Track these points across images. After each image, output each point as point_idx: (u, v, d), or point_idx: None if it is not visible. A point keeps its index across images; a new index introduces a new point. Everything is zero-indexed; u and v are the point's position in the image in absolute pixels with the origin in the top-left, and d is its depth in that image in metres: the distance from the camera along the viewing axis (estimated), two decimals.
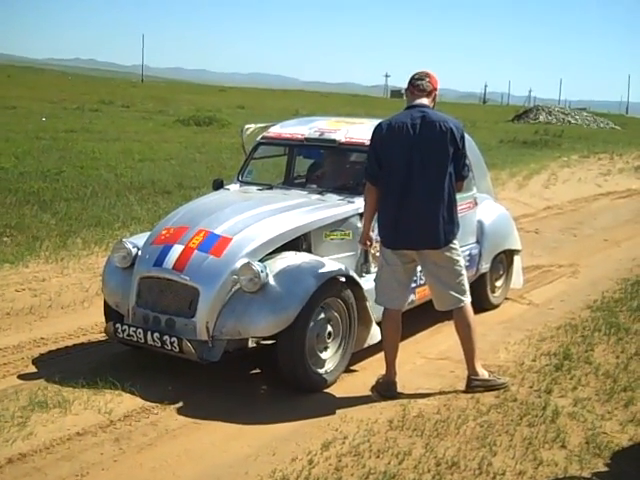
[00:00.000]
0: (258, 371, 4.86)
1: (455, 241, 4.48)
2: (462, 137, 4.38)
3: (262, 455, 3.71)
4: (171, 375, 4.58)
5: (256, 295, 4.33)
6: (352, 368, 4.89)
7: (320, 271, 4.52)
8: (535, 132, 26.71)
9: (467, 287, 4.57)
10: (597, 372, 4.85)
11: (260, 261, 4.45)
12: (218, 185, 5.81)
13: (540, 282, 7.48)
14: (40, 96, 32.02)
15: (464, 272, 4.55)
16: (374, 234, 5.07)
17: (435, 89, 4.49)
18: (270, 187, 5.64)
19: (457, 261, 4.48)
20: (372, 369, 4.97)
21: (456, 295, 4.49)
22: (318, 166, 5.86)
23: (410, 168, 4.30)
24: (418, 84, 4.43)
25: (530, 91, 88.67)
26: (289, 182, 5.81)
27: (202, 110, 26.73)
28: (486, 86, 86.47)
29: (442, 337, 5.63)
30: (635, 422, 4.10)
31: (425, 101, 4.42)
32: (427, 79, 4.44)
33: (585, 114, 39.85)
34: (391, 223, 4.41)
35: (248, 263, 4.36)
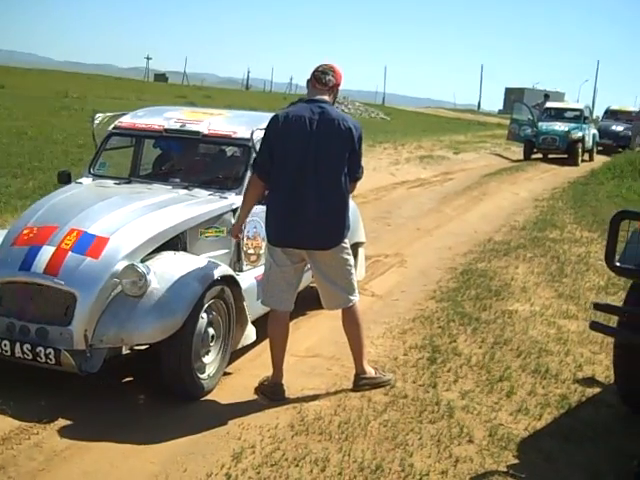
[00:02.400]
0: (130, 379, 4.54)
1: (346, 240, 4.47)
2: (360, 137, 4.36)
3: (172, 472, 3.48)
4: (40, 389, 4.14)
5: (140, 299, 4.03)
6: (227, 371, 4.73)
7: (205, 272, 4.32)
8: None
9: (356, 286, 4.59)
10: (469, 363, 5.10)
11: (142, 262, 4.15)
12: (66, 178, 5.33)
13: (374, 273, 7.71)
14: None
15: (353, 271, 4.57)
16: (247, 230, 4.96)
17: (338, 84, 4.42)
18: (129, 181, 5.28)
19: (347, 260, 4.47)
20: (247, 370, 4.86)
21: (346, 294, 4.50)
22: (177, 159, 5.58)
23: (305, 165, 4.20)
24: (321, 78, 4.33)
25: (291, 78, 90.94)
26: (149, 176, 5.49)
27: None
28: (249, 72, 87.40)
29: (304, 333, 5.64)
30: (523, 411, 4.37)
31: (326, 97, 4.34)
32: (331, 73, 4.36)
33: (357, 104, 41.77)
34: (281, 221, 4.30)
35: (132, 265, 4.04)
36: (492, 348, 5.44)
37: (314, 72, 4.37)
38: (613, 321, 4.49)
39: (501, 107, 79.07)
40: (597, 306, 4.25)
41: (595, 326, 4.24)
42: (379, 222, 10.54)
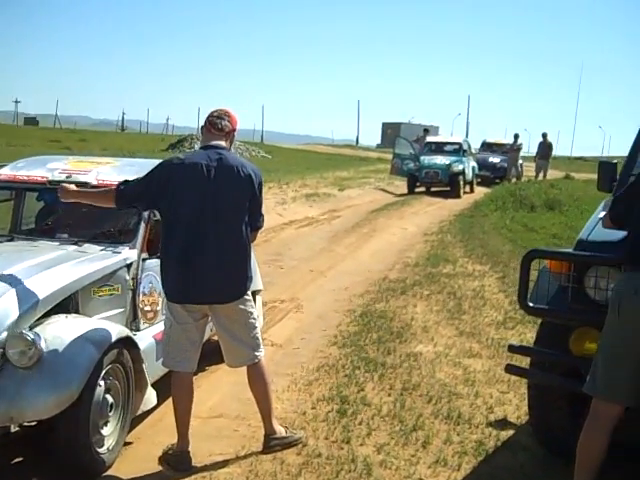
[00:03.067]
0: (21, 459, 4.17)
1: (249, 292, 4.31)
2: (260, 184, 4.24)
3: None
4: None
5: (31, 370, 3.70)
6: (127, 440, 4.43)
7: (101, 335, 4.04)
8: None
9: (261, 341, 4.42)
10: (380, 414, 4.99)
11: (30, 329, 3.83)
12: None
13: (271, 320, 7.55)
14: None
15: (258, 325, 4.41)
16: (142, 285, 4.73)
17: (234, 130, 4.29)
18: (10, 238, 4.94)
19: (251, 314, 4.30)
20: (149, 438, 4.59)
21: (251, 350, 4.32)
22: (64, 212, 5.25)
23: (202, 215, 4.03)
24: (217, 123, 4.19)
25: (168, 119, 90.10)
26: (33, 231, 5.17)
27: None
28: (124, 113, 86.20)
29: (205, 391, 5.39)
30: (441, 463, 4.28)
31: (223, 142, 4.20)
32: (227, 118, 4.23)
33: (238, 143, 41.62)
34: (179, 275, 4.09)
35: (19, 333, 3.72)
36: (401, 395, 5.37)
37: (209, 117, 4.23)
38: (525, 362, 4.50)
39: (379, 141, 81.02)
40: (512, 348, 4.25)
41: (511, 369, 4.23)
42: (271, 265, 10.40)
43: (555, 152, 28.34)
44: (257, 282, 6.54)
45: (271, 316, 7.68)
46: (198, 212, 4.02)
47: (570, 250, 3.94)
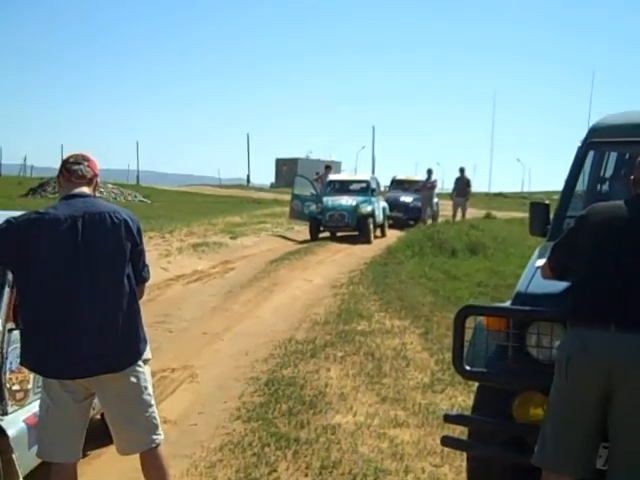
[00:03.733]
0: None
1: (141, 362, 4.24)
2: (139, 230, 4.21)
3: None
4: None
5: None
6: None
7: None
8: None
9: (158, 421, 4.33)
10: None
11: None
12: None
13: (162, 393, 7.44)
14: None
15: (154, 402, 4.32)
16: (9, 360, 4.59)
17: (96, 175, 4.28)
18: None
19: (146, 388, 4.23)
20: None
21: (147, 434, 4.22)
22: None
23: (73, 275, 3.94)
24: (76, 170, 4.16)
25: (25, 158, 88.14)
26: None
27: None
28: None
29: None
30: None
31: (86, 189, 4.17)
32: (86, 163, 4.22)
33: (110, 186, 41.23)
34: (52, 346, 3.97)
35: None
36: (320, 474, 5.36)
37: (65, 165, 4.21)
38: (461, 430, 4.57)
39: (273, 180, 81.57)
40: (448, 418, 4.31)
41: (447, 442, 4.29)
42: (158, 328, 10.26)
43: (473, 188, 29.24)
44: (146, 350, 6.43)
45: (161, 388, 7.56)
46: (68, 273, 3.93)
47: (508, 305, 4.04)
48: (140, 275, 4.22)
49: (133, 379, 4.15)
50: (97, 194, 4.32)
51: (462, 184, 26.22)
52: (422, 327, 10.08)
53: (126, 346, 4.11)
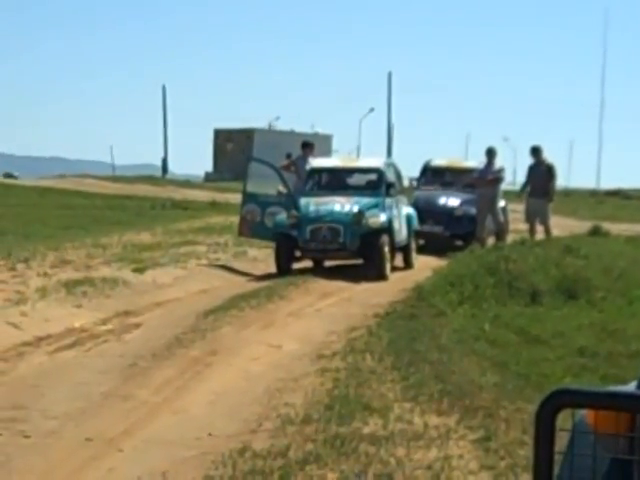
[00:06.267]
0: None
1: None
2: None
3: None
4: None
5: None
6: None
7: None
8: None
9: None
10: None
11: None
12: None
13: None
14: None
15: None
16: None
17: None
18: None
19: None
20: None
21: None
22: None
23: None
24: None
25: None
26: None
27: None
28: None
29: None
30: None
31: None
32: None
33: None
34: None
35: None
36: None
37: None
38: None
39: (209, 168, 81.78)
40: None
41: None
42: (4, 431, 10.20)
43: (571, 182, 29.12)
44: None
45: None
46: None
47: (632, 388, 3.99)
48: None
49: None
50: None
51: (539, 174, 26.15)
52: (479, 429, 10.02)
53: None
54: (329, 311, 18.09)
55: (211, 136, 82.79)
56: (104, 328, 15.98)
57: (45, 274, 19.44)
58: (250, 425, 10.58)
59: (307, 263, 22.91)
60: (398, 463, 9.09)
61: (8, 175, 39.20)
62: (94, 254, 22.69)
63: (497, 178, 26.92)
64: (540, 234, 25.82)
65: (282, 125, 74.70)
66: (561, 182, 27.61)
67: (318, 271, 22.57)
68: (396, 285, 20.71)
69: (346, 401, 11.25)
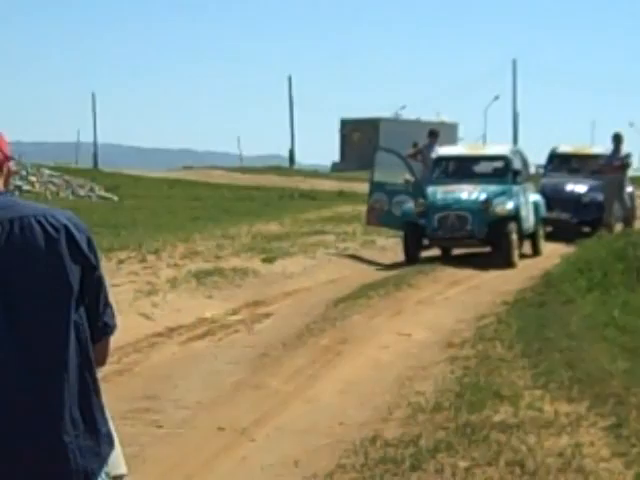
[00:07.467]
0: None
1: (104, 477, 4.23)
2: (91, 244, 4.15)
3: None
4: None
5: None
6: None
7: None
8: None
9: None
10: None
11: None
12: None
13: None
14: None
15: None
16: None
17: (7, 158, 4.27)
18: None
19: None
20: None
21: None
22: None
23: None
24: None
25: None
26: None
27: None
28: None
29: None
30: None
31: None
32: None
33: (48, 172, 41.68)
34: None
35: None
36: None
37: None
38: None
39: (336, 158, 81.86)
40: None
41: None
42: (137, 421, 10.32)
43: None
44: (115, 459, 6.46)
45: None
46: None
47: None
48: (100, 323, 4.19)
49: None
50: (12, 187, 4.34)
51: None
52: (611, 415, 9.94)
53: (76, 450, 4.10)
54: (458, 299, 18.08)
55: (337, 126, 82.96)
56: (235, 318, 16.10)
57: (175, 265, 19.64)
58: (381, 413, 10.60)
59: (435, 251, 22.90)
60: (529, 451, 9.05)
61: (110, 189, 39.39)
62: (223, 245, 22.86)
63: (624, 164, 26.92)
64: None
65: (408, 114, 74.61)
66: None
67: (446, 259, 22.60)
68: (524, 272, 20.68)
69: (476, 389, 11.23)
